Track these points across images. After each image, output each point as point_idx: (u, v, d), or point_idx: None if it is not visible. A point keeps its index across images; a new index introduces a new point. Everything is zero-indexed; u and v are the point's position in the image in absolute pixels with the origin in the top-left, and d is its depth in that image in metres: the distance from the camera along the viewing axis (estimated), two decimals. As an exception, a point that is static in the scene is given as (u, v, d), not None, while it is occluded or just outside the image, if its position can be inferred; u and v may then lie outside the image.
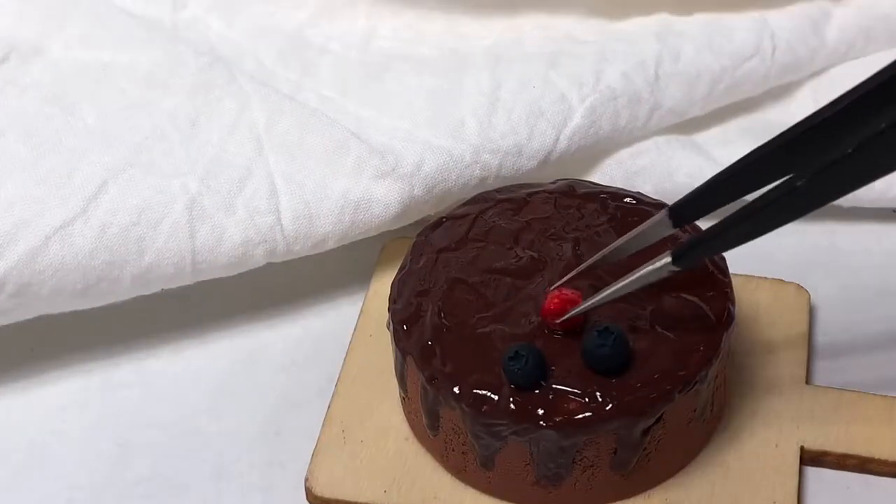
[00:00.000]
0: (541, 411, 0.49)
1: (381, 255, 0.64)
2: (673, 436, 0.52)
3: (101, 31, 0.66)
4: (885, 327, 0.60)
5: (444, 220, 0.57)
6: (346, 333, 0.60)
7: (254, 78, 0.65)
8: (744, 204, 0.48)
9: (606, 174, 0.65)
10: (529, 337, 0.51)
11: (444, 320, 0.52)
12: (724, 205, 0.50)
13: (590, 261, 0.53)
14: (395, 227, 0.62)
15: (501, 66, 0.66)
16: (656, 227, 0.51)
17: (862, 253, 0.64)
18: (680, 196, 0.64)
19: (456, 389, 0.50)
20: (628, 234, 0.52)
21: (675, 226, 0.51)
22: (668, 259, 0.50)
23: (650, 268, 0.50)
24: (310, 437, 0.56)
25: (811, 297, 0.60)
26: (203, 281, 0.60)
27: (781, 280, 0.61)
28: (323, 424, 0.56)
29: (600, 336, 0.49)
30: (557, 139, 0.63)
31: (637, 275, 0.50)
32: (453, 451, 0.53)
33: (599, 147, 0.65)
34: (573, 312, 0.51)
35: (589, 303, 0.51)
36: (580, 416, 0.49)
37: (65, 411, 0.59)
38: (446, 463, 0.54)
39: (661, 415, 0.50)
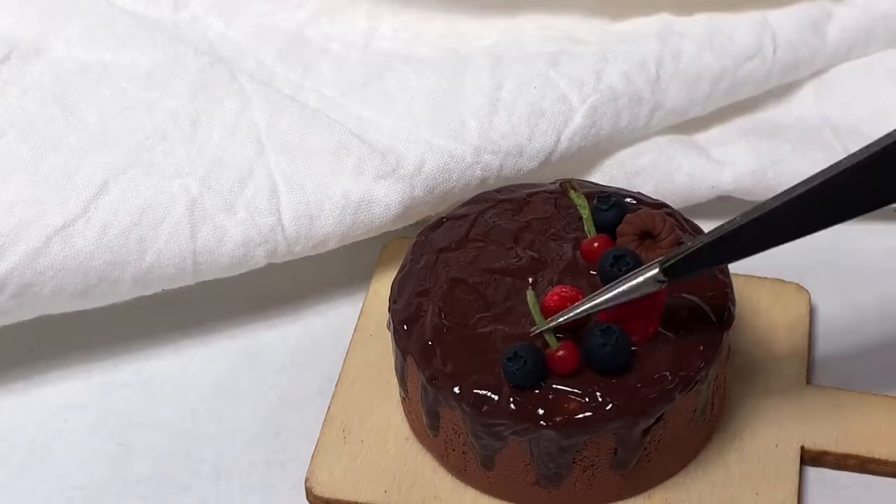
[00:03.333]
0: (541, 411, 0.49)
1: (381, 256, 0.64)
2: (673, 436, 0.52)
3: (102, 31, 0.66)
4: (885, 327, 0.60)
5: (444, 220, 0.57)
6: (346, 333, 0.60)
7: (254, 78, 0.65)
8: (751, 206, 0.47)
9: (607, 174, 0.65)
10: (529, 337, 0.51)
11: (444, 320, 0.52)
12: (720, 264, 0.49)
13: (577, 310, 0.50)
14: (396, 228, 0.62)
15: (502, 66, 0.66)
16: (648, 282, 0.49)
17: (862, 253, 0.64)
18: (680, 196, 0.64)
19: (456, 389, 0.50)
20: (619, 287, 0.49)
21: (668, 281, 0.49)
22: (656, 270, 0.49)
23: (638, 279, 0.49)
24: (310, 437, 0.56)
25: (811, 297, 0.60)
26: (203, 281, 0.60)
27: (781, 280, 0.61)
28: (323, 424, 0.56)
29: (602, 335, 0.49)
30: (558, 139, 0.63)
31: (624, 286, 0.49)
32: (453, 451, 0.53)
33: (600, 147, 0.65)
34: (562, 320, 0.50)
35: (571, 314, 0.50)
36: (580, 416, 0.49)
37: (65, 411, 0.59)
38: (446, 463, 0.54)
39: (662, 415, 0.50)
